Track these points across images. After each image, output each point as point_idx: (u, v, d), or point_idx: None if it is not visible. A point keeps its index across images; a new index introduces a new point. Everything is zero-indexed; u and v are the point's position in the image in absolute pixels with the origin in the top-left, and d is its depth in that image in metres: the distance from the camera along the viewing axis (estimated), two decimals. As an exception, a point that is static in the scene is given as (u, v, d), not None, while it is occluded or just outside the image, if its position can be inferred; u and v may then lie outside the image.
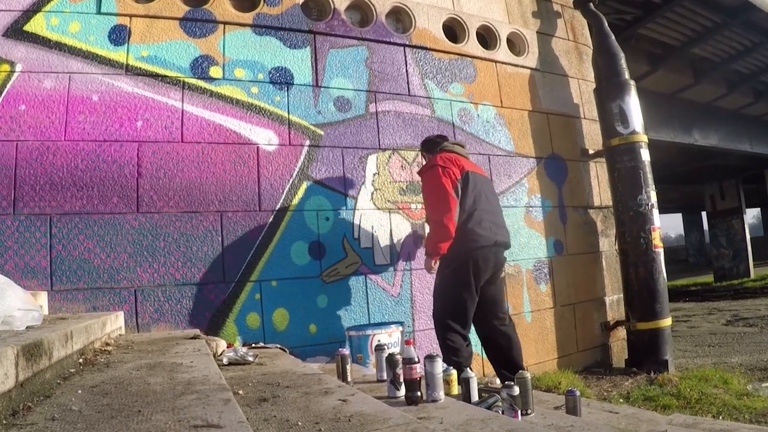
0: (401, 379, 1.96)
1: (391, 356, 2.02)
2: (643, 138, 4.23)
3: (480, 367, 3.45)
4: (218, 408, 1.19)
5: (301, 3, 3.50)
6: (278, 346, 2.86)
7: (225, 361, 2.28)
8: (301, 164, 3.29)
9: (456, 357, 2.75)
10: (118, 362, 1.79)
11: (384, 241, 3.44)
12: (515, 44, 4.41)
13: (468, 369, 2.27)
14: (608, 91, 4.34)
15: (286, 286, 3.12)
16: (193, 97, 3.10)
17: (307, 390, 1.74)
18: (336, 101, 3.48)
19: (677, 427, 2.31)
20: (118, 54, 2.98)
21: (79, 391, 1.35)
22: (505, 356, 2.95)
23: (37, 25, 2.85)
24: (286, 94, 3.34)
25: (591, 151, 4.52)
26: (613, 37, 4.49)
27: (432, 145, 3.14)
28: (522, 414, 1.99)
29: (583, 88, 4.66)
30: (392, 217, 3.51)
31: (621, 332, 4.30)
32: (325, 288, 3.23)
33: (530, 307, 3.92)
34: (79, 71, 2.89)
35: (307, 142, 3.34)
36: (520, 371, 2.15)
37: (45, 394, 1.32)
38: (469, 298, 2.86)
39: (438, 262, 2.99)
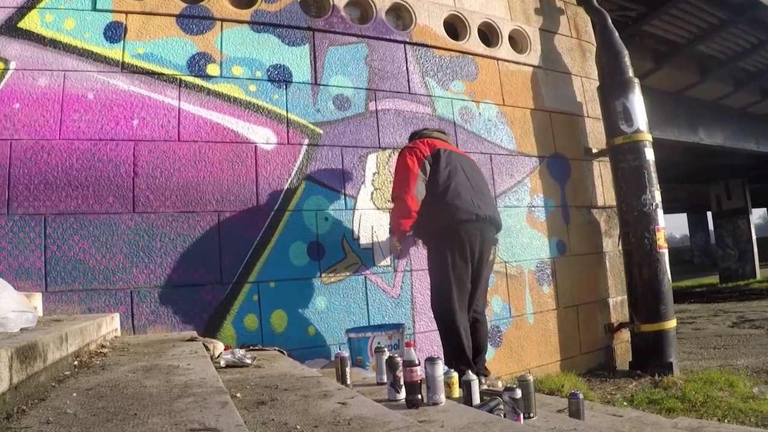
0: (401, 382, 1.96)
1: (391, 359, 2.02)
2: (648, 137, 4.23)
3: (481, 370, 3.46)
4: (215, 411, 1.19)
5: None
6: (276, 348, 2.86)
7: (222, 363, 2.29)
8: (299, 163, 3.29)
9: (467, 367, 2.60)
10: (113, 365, 1.79)
11: (384, 241, 3.43)
12: (517, 41, 4.41)
13: (469, 372, 2.27)
14: (612, 89, 4.34)
15: (284, 287, 3.12)
16: (190, 96, 3.10)
17: (305, 393, 1.74)
18: (335, 99, 3.48)
19: (682, 430, 2.32)
20: (113, 51, 2.98)
21: (74, 394, 1.35)
22: (480, 347, 2.94)
23: (31, 21, 2.85)
24: (284, 92, 3.34)
25: (594, 150, 4.52)
26: (617, 34, 4.49)
27: (413, 136, 3.21)
28: (524, 417, 1.99)
29: (586, 86, 4.66)
30: (392, 217, 3.51)
31: (625, 334, 4.30)
32: (324, 289, 3.23)
33: (533, 309, 3.92)
34: (74, 69, 2.89)
35: (306, 141, 3.34)
36: (522, 374, 2.15)
37: (39, 397, 1.32)
38: (463, 274, 2.81)
39: (402, 241, 3.06)
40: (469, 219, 2.82)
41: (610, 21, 4.56)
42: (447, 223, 2.82)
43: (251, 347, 2.80)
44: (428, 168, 2.91)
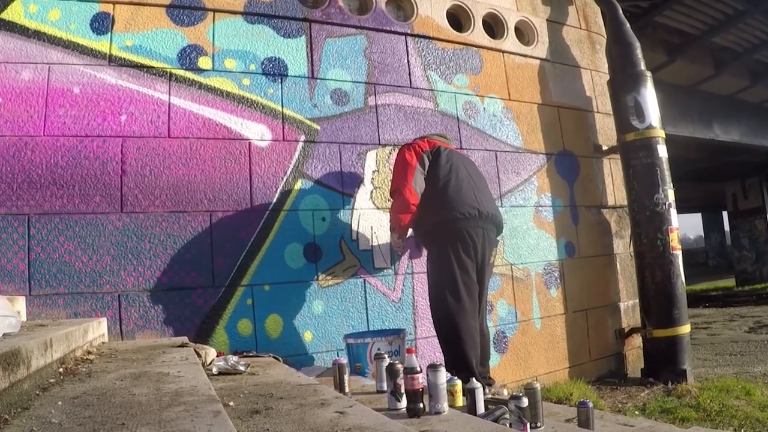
0: (402, 390, 1.96)
1: (391, 365, 2.02)
2: (660, 133, 4.23)
3: (486, 377, 3.45)
4: (207, 421, 1.19)
5: (295, -11, 3.50)
6: (271, 354, 2.86)
7: (215, 370, 2.29)
8: (295, 161, 3.29)
9: (472, 375, 2.54)
10: (100, 372, 1.79)
11: (384, 242, 3.44)
12: (524, 33, 4.42)
13: (473, 379, 2.26)
14: (623, 82, 4.34)
15: (279, 290, 3.13)
16: (180, 90, 3.10)
17: (302, 401, 1.74)
18: (333, 94, 3.48)
19: (696, 441, 2.31)
20: (100, 43, 2.98)
21: (60, 403, 1.35)
22: (483, 354, 2.91)
23: (14, 12, 2.85)
24: (279, 86, 3.34)
25: (604, 147, 4.52)
26: (628, 26, 4.49)
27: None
28: (531, 427, 1.99)
29: (596, 79, 4.66)
30: (393, 218, 3.51)
31: (637, 340, 4.30)
32: (321, 293, 3.23)
33: (540, 314, 3.92)
34: (60, 62, 2.89)
35: (302, 138, 3.34)
36: (529, 382, 2.15)
37: (23, 405, 1.32)
38: (471, 271, 2.80)
39: (403, 237, 3.09)
40: (471, 214, 2.82)
41: (620, 11, 4.56)
42: (448, 218, 2.82)
43: (245, 354, 2.80)
44: (427, 163, 2.95)
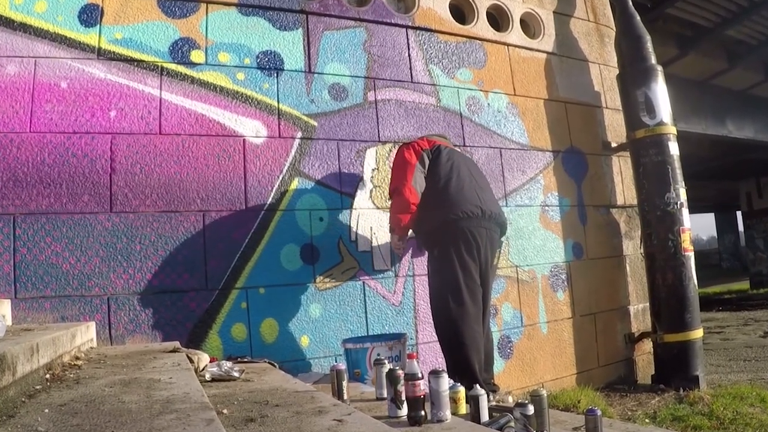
0: (403, 397, 1.96)
1: (391, 372, 2.02)
2: (672, 129, 4.23)
3: (490, 384, 3.45)
4: (200, 429, 1.19)
5: (292, -20, 3.50)
6: (267, 360, 2.86)
7: (208, 376, 2.29)
8: (292, 159, 3.30)
9: (475, 382, 2.48)
10: (89, 378, 1.79)
11: (384, 243, 3.44)
12: (529, 25, 4.42)
13: (477, 385, 2.26)
14: (633, 77, 4.34)
15: (275, 293, 3.13)
16: (172, 85, 3.10)
17: (298, 409, 1.74)
18: (331, 89, 3.48)
19: (709, 450, 2.31)
20: (89, 36, 2.98)
21: (46, 410, 1.35)
22: (486, 360, 2.92)
23: (-1, 4, 2.85)
24: (275, 81, 3.34)
25: (614, 144, 4.52)
26: (639, 18, 4.49)
27: None
28: (537, 436, 1.99)
29: (604, 74, 4.66)
30: (393, 218, 3.51)
31: (647, 345, 4.30)
32: (318, 296, 3.23)
33: (546, 317, 3.93)
34: (46, 55, 2.88)
35: (299, 134, 3.34)
36: (535, 389, 2.15)
37: (8, 413, 1.32)
38: (474, 273, 2.80)
39: (404, 239, 3.10)
40: (474, 213, 2.83)
41: (630, 3, 4.55)
42: (450, 217, 2.82)
43: (239, 359, 2.81)
44: (427, 161, 2.97)
